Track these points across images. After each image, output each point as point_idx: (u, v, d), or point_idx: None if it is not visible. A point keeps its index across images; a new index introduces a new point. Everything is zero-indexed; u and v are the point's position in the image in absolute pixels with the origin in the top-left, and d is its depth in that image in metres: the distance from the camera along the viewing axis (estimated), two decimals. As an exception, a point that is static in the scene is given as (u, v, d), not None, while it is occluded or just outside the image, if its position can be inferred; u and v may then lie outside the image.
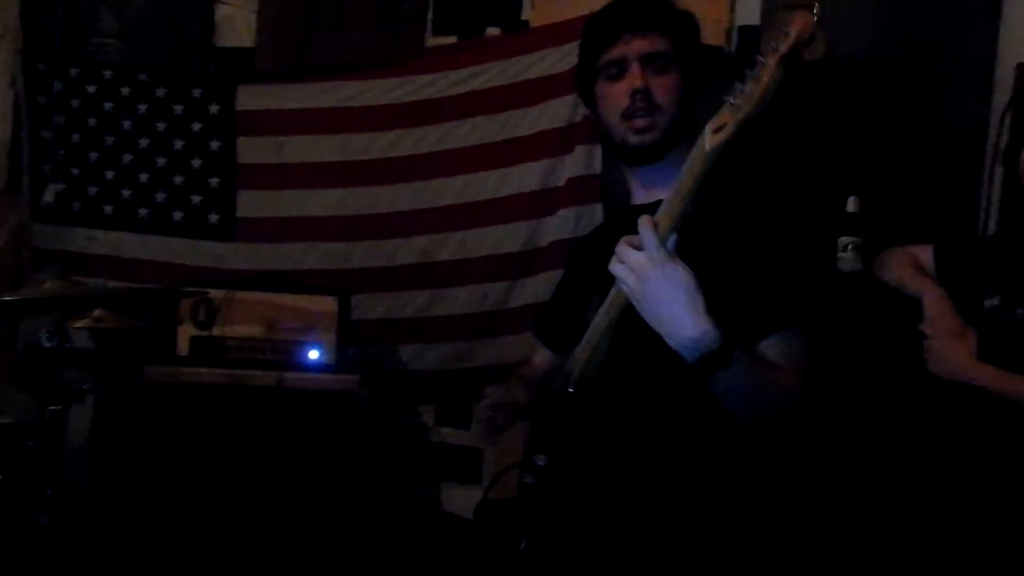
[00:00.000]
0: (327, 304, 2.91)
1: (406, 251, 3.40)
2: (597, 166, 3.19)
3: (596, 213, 3.20)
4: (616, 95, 1.54)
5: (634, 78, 1.51)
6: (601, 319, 1.38)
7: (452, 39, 3.44)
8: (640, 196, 1.63)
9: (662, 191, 1.34)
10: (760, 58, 1.14)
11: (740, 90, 1.15)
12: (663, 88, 1.52)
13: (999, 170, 2.65)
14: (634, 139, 1.54)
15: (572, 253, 2.05)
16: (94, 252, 3.61)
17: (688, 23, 1.59)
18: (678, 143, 1.53)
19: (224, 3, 3.64)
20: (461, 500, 3.39)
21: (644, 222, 1.24)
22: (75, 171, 3.63)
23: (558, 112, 3.21)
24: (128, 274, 3.54)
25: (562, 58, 3.20)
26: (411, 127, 3.39)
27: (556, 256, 3.23)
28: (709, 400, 1.32)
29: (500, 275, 3.31)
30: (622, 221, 1.48)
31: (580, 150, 3.19)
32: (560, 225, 3.22)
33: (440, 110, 3.35)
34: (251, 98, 3.53)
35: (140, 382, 2.80)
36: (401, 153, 3.39)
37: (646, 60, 1.52)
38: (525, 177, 3.26)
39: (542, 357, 1.97)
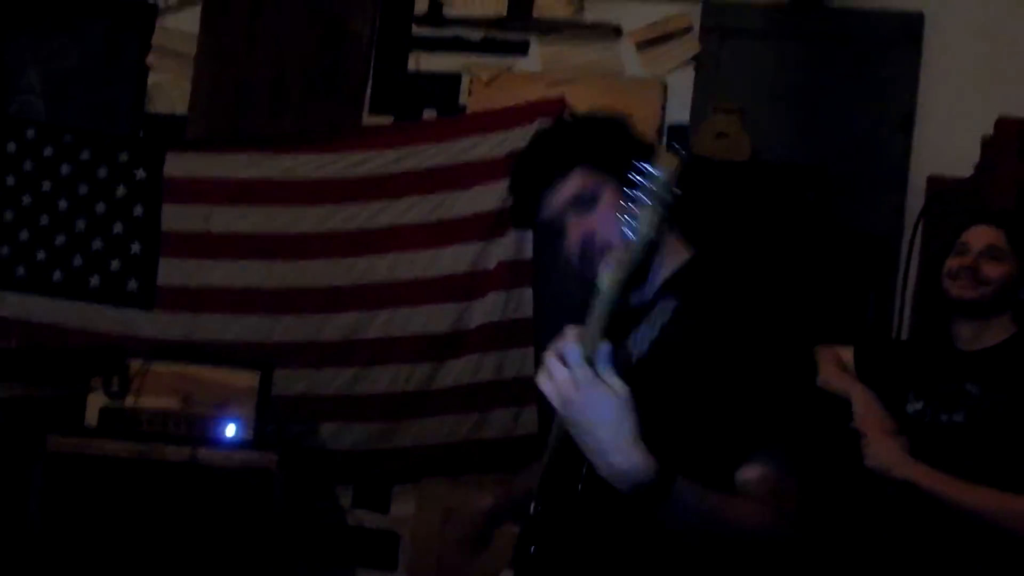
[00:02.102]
0: (248, 378, 2.83)
1: (332, 327, 3.35)
2: (528, 251, 3.23)
3: (526, 297, 3.22)
4: (568, 252, 1.40)
5: (570, 235, 1.38)
6: (553, 434, 1.27)
7: (388, 119, 3.47)
8: (632, 298, 1.46)
9: (644, 297, 1.37)
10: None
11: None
12: (601, 222, 1.35)
13: (913, 276, 2.78)
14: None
15: None
16: (2, 315, 3.47)
17: (597, 132, 1.43)
18: (655, 253, 1.38)
19: (157, 69, 3.61)
20: (376, 586, 3.30)
21: (569, 334, 1.13)
22: (-14, 231, 3.51)
23: (491, 196, 3.25)
24: (38, 339, 3.39)
25: (498, 144, 3.26)
26: (343, 203, 3.38)
27: (484, 339, 3.23)
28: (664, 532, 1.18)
29: (426, 356, 3.28)
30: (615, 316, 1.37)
31: (512, 234, 3.22)
32: (489, 308, 3.23)
33: (373, 188, 3.36)
34: (180, 165, 3.48)
35: (43, 452, 2.66)
36: (331, 228, 3.37)
37: (574, 206, 1.38)
38: (456, 258, 3.27)
39: None
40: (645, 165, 1.12)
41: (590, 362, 1.10)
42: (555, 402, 1.13)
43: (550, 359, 1.14)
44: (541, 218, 1.41)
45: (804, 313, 1.40)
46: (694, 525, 1.15)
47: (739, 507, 1.18)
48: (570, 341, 1.12)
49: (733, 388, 1.23)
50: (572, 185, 1.38)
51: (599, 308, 1.12)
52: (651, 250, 1.32)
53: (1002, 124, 2.47)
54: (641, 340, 1.33)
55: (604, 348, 1.12)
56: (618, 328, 1.30)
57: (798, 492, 1.21)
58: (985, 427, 1.89)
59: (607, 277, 1.13)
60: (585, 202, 1.37)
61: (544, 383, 1.14)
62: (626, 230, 1.10)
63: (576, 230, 1.37)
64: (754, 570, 1.23)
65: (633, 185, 1.27)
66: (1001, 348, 1.97)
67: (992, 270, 1.96)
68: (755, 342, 1.27)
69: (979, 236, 2.01)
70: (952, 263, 2.01)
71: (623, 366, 1.21)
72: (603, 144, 1.40)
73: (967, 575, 1.87)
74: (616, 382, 1.10)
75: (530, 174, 1.42)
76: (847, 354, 2.19)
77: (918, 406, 2.00)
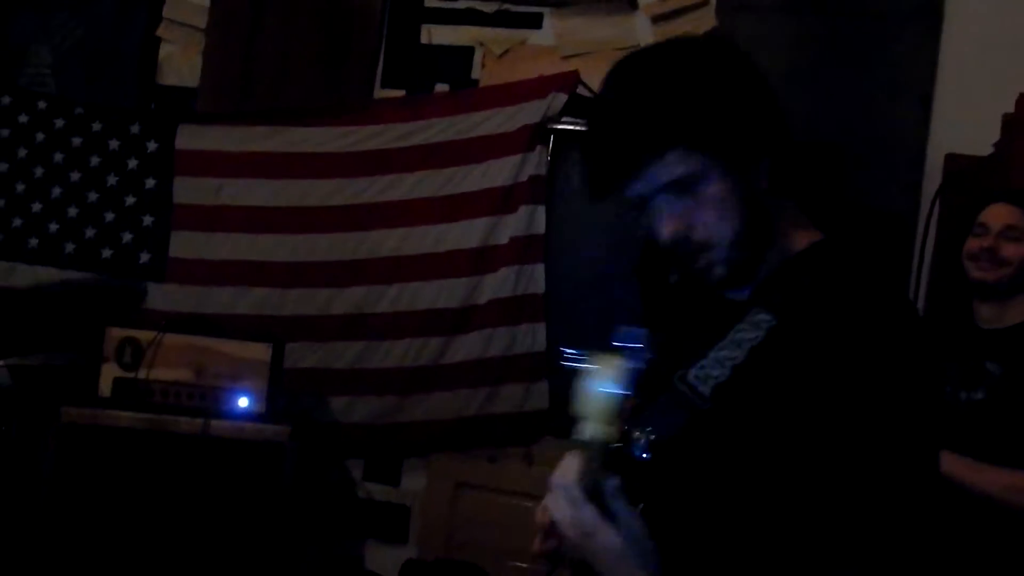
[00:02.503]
0: (260, 351, 2.83)
1: (341, 301, 3.35)
2: (540, 226, 3.21)
3: (537, 272, 3.22)
4: (653, 236, 1.13)
5: (660, 230, 1.10)
6: None
7: (400, 93, 3.45)
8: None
9: (743, 291, 1.14)
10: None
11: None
12: (703, 217, 1.08)
13: (929, 254, 2.76)
14: (699, 279, 1.14)
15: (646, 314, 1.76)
16: (13, 285, 3.48)
17: (706, 109, 1.07)
18: (770, 247, 1.13)
19: (168, 42, 3.60)
20: (386, 559, 3.31)
21: (567, 468, 1.00)
22: (0, 202, 3.50)
23: (503, 171, 3.23)
24: (48, 310, 3.40)
25: (510, 118, 3.24)
26: (353, 177, 3.37)
27: (495, 314, 3.23)
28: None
29: (437, 330, 3.28)
30: (705, 300, 1.20)
31: (524, 210, 3.21)
32: (500, 283, 3.23)
33: (384, 162, 3.35)
34: (191, 138, 3.47)
35: (57, 422, 2.67)
36: (342, 202, 3.37)
37: (669, 190, 1.08)
38: (467, 233, 3.26)
39: None
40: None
41: (597, 489, 0.97)
42: (565, 539, 1.02)
43: (555, 490, 1.01)
44: (627, 193, 1.10)
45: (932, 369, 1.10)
46: None
47: None
48: (567, 474, 1.00)
49: (821, 477, 0.97)
50: (675, 164, 1.06)
51: (595, 435, 0.97)
52: (762, 235, 1.11)
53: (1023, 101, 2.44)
54: (721, 362, 1.06)
55: (610, 484, 0.97)
56: (701, 330, 1.13)
57: None
58: (1005, 405, 1.88)
59: (589, 428, 0.97)
60: (687, 187, 1.07)
61: (555, 515, 1.01)
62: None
63: (671, 220, 1.09)
64: None
65: (746, 173, 1.08)
66: (1021, 328, 1.96)
67: (1011, 250, 1.95)
68: (871, 418, 0.97)
69: (997, 216, 1.99)
70: (971, 245, 2.00)
71: (691, 401, 1.05)
72: (709, 120, 1.07)
73: (989, 557, 1.87)
74: (627, 519, 0.97)
75: (622, 140, 1.08)
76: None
77: None
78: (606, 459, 0.97)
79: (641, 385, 1.01)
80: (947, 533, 1.87)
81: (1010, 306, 1.98)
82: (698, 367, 1.06)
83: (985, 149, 2.64)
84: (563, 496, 0.99)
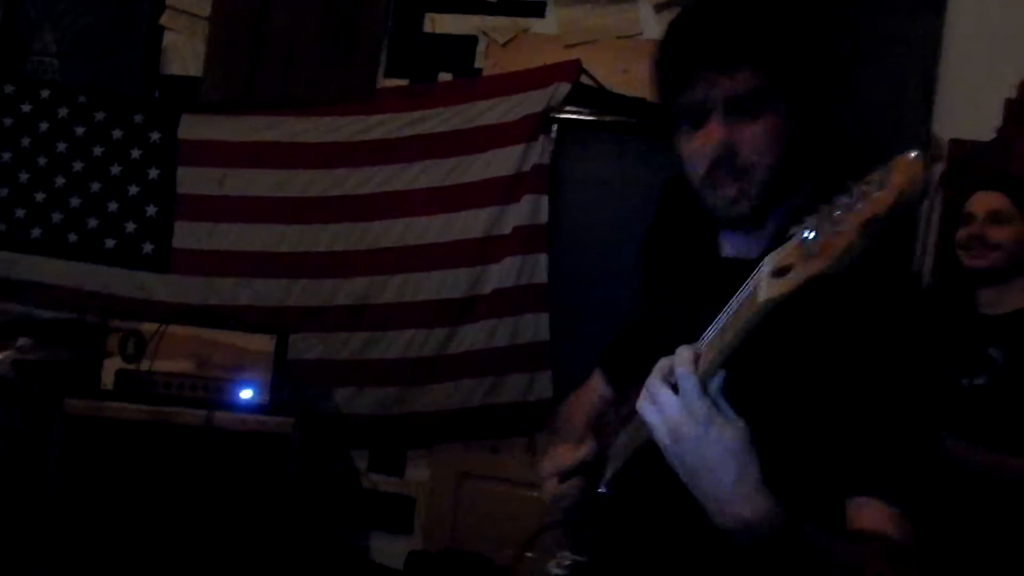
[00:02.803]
0: (263, 343, 2.83)
1: (345, 292, 3.34)
2: (544, 216, 3.20)
3: (541, 262, 3.20)
4: (694, 154, 1.16)
5: (711, 134, 1.12)
6: (627, 437, 1.13)
7: (404, 82, 3.43)
8: (728, 247, 1.27)
9: (751, 249, 1.15)
10: (849, 195, 0.81)
11: (821, 226, 0.82)
12: (754, 140, 1.11)
13: (932, 240, 2.74)
14: (721, 210, 1.17)
15: (644, 281, 1.64)
16: (15, 276, 3.48)
17: (792, 41, 1.13)
18: (785, 198, 1.16)
19: (172, 30, 3.58)
20: (391, 549, 3.31)
21: (682, 357, 0.94)
22: (2, 191, 3.50)
23: (507, 160, 3.22)
24: (51, 301, 3.40)
25: (513, 107, 3.23)
26: (357, 167, 3.36)
27: (498, 304, 3.22)
28: None
29: (440, 320, 3.27)
30: (706, 269, 1.25)
31: (528, 199, 3.20)
32: (504, 273, 3.22)
33: (388, 152, 3.33)
34: (195, 127, 3.47)
35: (61, 415, 2.67)
36: (345, 192, 3.36)
37: (731, 106, 1.11)
38: (471, 223, 3.25)
39: (604, 391, 1.58)
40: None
41: (704, 388, 0.93)
42: (662, 436, 0.95)
43: (656, 384, 0.96)
44: (693, 97, 1.12)
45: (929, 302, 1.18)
46: (808, 572, 0.96)
47: (859, 556, 0.99)
48: (684, 365, 0.93)
49: (855, 398, 1.04)
50: (741, 81, 1.10)
51: (732, 324, 0.90)
52: (791, 181, 1.14)
53: (1027, 87, 2.42)
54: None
55: (719, 377, 0.94)
56: (706, 295, 1.11)
57: (913, 533, 1.02)
58: (1008, 391, 1.88)
59: (769, 287, 0.86)
60: (748, 107, 1.10)
61: (649, 412, 0.96)
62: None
63: (726, 130, 1.10)
64: None
65: (804, 117, 1.12)
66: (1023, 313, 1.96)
67: (998, 234, 1.97)
68: (890, 339, 1.05)
69: (982, 203, 2.02)
70: (960, 234, 2.03)
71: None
72: (796, 55, 1.12)
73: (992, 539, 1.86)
74: (735, 418, 0.94)
75: (696, 47, 1.13)
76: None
77: None
78: (732, 351, 0.92)
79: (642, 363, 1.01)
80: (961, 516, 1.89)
81: (1010, 291, 1.99)
82: (705, 332, 1.07)
83: (988, 135, 2.62)
84: (661, 388, 0.95)
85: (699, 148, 1.14)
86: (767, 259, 0.87)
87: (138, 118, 3.49)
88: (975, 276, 2.00)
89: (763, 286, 0.86)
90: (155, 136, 3.48)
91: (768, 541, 0.93)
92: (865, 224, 0.77)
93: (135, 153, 3.49)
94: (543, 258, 3.20)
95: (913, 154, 0.77)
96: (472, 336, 3.26)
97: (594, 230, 3.23)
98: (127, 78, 3.57)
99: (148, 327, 2.78)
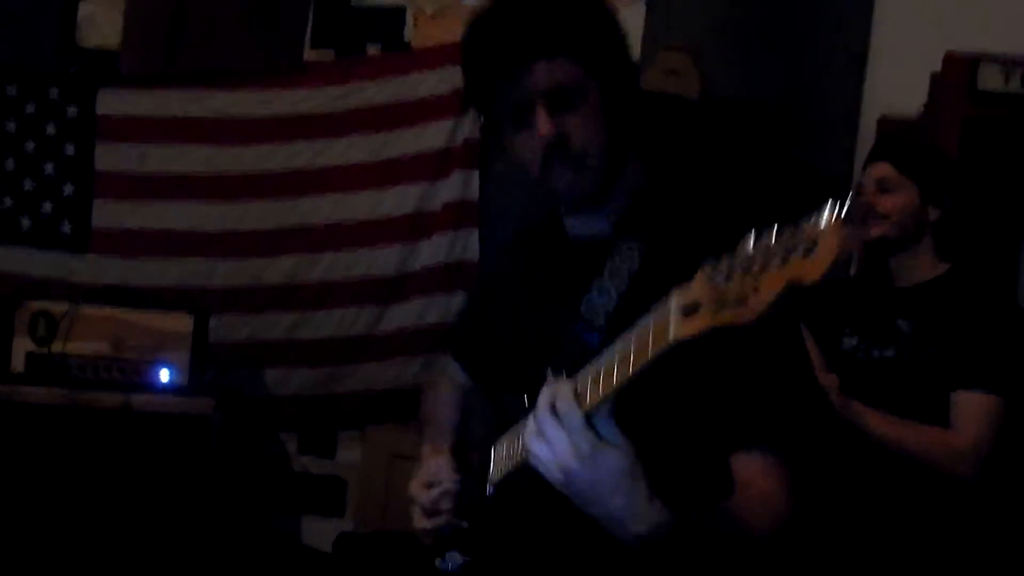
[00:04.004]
0: (181, 322, 2.75)
1: (272, 271, 3.26)
2: (474, 192, 3.15)
3: (472, 239, 3.16)
4: (527, 150, 1.18)
5: (541, 129, 1.13)
6: (513, 446, 1.13)
7: (330, 54, 3.35)
8: (577, 227, 1.27)
9: (601, 226, 1.19)
10: (770, 245, 0.79)
11: (735, 270, 0.80)
12: (582, 126, 1.14)
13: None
14: (565, 194, 1.19)
15: (490, 264, 1.65)
16: (-72, 257, 3.34)
17: (598, 24, 1.18)
18: (619, 175, 1.20)
19: (87, 2, 3.44)
20: (322, 532, 3.25)
21: (563, 392, 0.94)
22: (-92, 171, 3.35)
23: (437, 135, 3.16)
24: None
25: (443, 81, 3.16)
26: (284, 142, 3.27)
27: (430, 281, 3.17)
28: None
29: (371, 299, 3.21)
30: (558, 251, 1.26)
31: (457, 174, 3.14)
32: (435, 250, 3.17)
33: (315, 126, 3.25)
34: (113, 102, 3.34)
35: (-33, 401, 2.57)
36: (272, 168, 3.27)
37: (553, 97, 1.14)
38: (400, 199, 3.19)
39: (459, 382, 1.56)
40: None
41: (589, 420, 0.93)
42: (551, 471, 0.96)
43: (544, 419, 0.95)
44: (510, 94, 1.14)
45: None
46: (708, 548, 1.04)
47: (742, 514, 1.06)
48: (566, 399, 0.94)
49: (729, 361, 1.07)
50: (560, 71, 1.13)
51: (635, 356, 0.89)
52: (612, 166, 1.17)
53: (950, 60, 2.42)
54: (605, 292, 1.14)
55: (606, 410, 0.94)
56: (570, 276, 1.18)
57: (793, 478, 1.10)
58: (914, 363, 1.89)
59: (678, 324, 0.85)
60: (568, 97, 1.14)
61: (538, 448, 0.96)
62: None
63: (547, 126, 1.13)
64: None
65: (616, 95, 1.16)
66: (932, 285, 1.98)
67: (885, 202, 1.97)
68: None
69: (870, 174, 2.03)
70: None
71: (590, 340, 1.10)
72: (594, 34, 1.16)
73: (887, 508, 1.88)
74: (622, 441, 0.95)
75: (507, 42, 1.14)
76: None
77: (853, 341, 2.02)
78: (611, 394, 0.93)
79: (521, 344, 1.07)
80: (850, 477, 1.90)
81: (917, 261, 1.99)
82: (585, 303, 1.12)
83: (917, 110, 2.62)
84: (551, 424, 0.94)
85: (531, 144, 1.16)
86: (674, 292, 0.86)
87: (53, 92, 3.35)
88: (874, 248, 2.01)
89: (672, 322, 0.85)
90: (72, 111, 3.34)
91: (663, 541, 0.97)
92: (788, 290, 0.76)
93: (50, 129, 3.35)
94: (474, 234, 3.16)
95: (845, 222, 0.75)
96: (403, 314, 3.21)
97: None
98: (41, 51, 3.42)
99: (59, 307, 2.68)
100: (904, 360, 1.91)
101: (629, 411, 0.96)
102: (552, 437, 0.94)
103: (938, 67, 2.53)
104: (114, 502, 2.62)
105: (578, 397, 0.94)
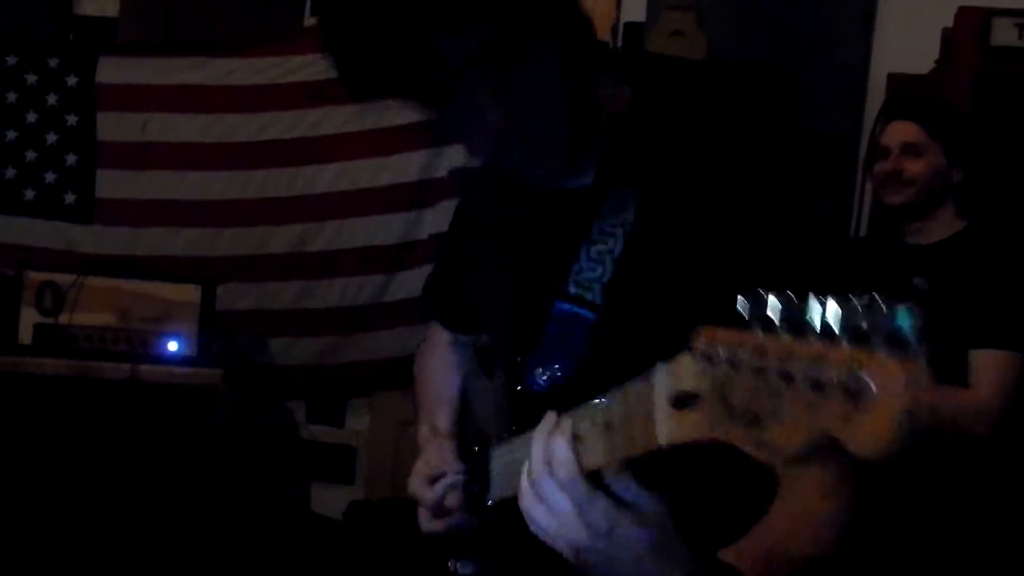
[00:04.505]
0: (188, 292, 2.73)
1: (277, 240, 3.24)
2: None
3: (477, 206, 3.13)
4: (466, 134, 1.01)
5: (485, 117, 0.93)
6: (510, 468, 0.94)
7: (332, 20, 3.30)
8: (546, 174, 1.03)
9: (588, 177, 0.98)
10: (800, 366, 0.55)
11: (743, 359, 0.58)
12: (519, 95, 0.91)
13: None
14: (535, 175, 0.98)
15: (464, 197, 1.38)
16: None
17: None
18: (588, 136, 0.97)
19: (85, -32, 3.40)
20: (332, 500, 3.27)
21: (560, 453, 0.75)
22: (-90, 142, 3.33)
23: (440, 100, 3.12)
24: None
25: (446, 45, 3.12)
26: (285, 110, 3.24)
27: (435, 249, 3.14)
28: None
29: (376, 267, 3.20)
30: (529, 200, 1.04)
31: (462, 141, 3.11)
32: (441, 217, 3.13)
33: (317, 93, 3.21)
34: (113, 71, 3.30)
35: (-26, 372, 2.57)
36: (274, 136, 3.24)
37: (479, 63, 0.89)
38: (404, 167, 3.16)
39: (444, 341, 1.41)
40: None
41: (598, 479, 0.73)
42: (561, 547, 0.77)
43: (545, 484, 0.76)
44: (429, 76, 0.89)
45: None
46: None
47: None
48: (566, 467, 0.74)
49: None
50: (481, 32, 0.86)
51: (625, 444, 0.70)
52: (581, 103, 0.93)
53: (962, 14, 2.37)
54: (597, 260, 0.94)
55: (622, 483, 0.74)
56: (553, 236, 0.98)
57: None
58: (932, 322, 1.86)
59: (670, 423, 0.65)
60: (506, 59, 0.88)
61: (541, 518, 0.77)
62: None
63: (491, 103, 0.89)
64: None
65: (574, 48, 0.91)
66: (949, 243, 1.94)
67: (913, 167, 1.92)
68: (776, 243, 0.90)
69: (895, 134, 1.97)
70: (877, 169, 1.98)
71: (584, 316, 0.91)
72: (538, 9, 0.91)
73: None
74: (647, 500, 0.75)
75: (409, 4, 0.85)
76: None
77: (864, 301, 1.97)
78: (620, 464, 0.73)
79: (499, 318, 0.87)
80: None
81: (935, 220, 1.96)
82: (574, 275, 0.92)
83: (928, 66, 2.58)
84: (555, 492, 0.75)
85: (475, 124, 0.92)
86: (661, 368, 0.66)
87: (53, 62, 3.31)
88: (894, 211, 1.97)
89: (661, 420, 0.65)
90: (72, 81, 3.31)
91: None
92: (818, 447, 0.53)
93: (51, 99, 3.32)
94: (480, 201, 3.13)
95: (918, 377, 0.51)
96: (410, 282, 3.19)
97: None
98: (38, 20, 3.39)
99: (65, 279, 2.67)
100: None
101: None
102: (554, 505, 0.75)
103: (949, 22, 2.48)
104: (123, 473, 2.62)
105: (579, 445, 0.74)
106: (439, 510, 1.13)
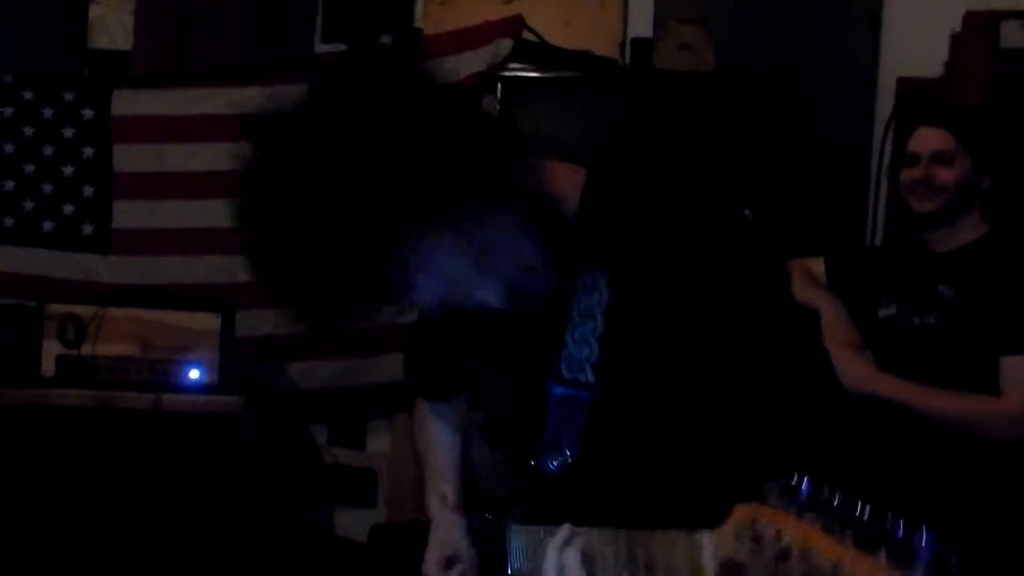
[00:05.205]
0: (208, 320, 2.76)
1: (294, 264, 3.25)
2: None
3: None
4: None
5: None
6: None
7: (341, 47, 3.33)
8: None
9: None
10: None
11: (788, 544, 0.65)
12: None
13: (884, 182, 2.71)
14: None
15: None
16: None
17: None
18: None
19: (97, 3, 3.45)
20: (355, 523, 3.27)
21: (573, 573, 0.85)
22: (-68, 179, 3.37)
23: (452, 121, 3.14)
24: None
25: (455, 67, 3.12)
26: (299, 135, 3.26)
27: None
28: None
29: (393, 288, 3.20)
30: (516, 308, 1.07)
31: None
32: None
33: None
34: (128, 103, 3.34)
35: (-1, 405, 2.59)
36: (288, 162, 3.26)
37: None
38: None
39: (429, 414, 1.42)
40: None
41: None
42: None
43: None
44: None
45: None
46: None
47: None
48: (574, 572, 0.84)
49: (731, 382, 0.98)
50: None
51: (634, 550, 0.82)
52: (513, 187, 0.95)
53: (970, 17, 2.38)
54: (582, 342, 1.00)
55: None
56: (538, 322, 1.02)
57: None
58: (958, 328, 1.85)
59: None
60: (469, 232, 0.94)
61: None
62: None
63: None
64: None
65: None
66: (973, 248, 1.92)
67: (944, 175, 1.90)
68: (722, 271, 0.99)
69: (926, 141, 1.94)
70: (906, 176, 1.96)
71: (580, 398, 0.98)
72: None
73: (941, 484, 1.84)
74: None
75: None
76: (816, 266, 2.13)
77: (891, 310, 1.96)
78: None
79: (496, 400, 0.95)
80: (900, 455, 1.87)
81: (959, 228, 1.93)
82: (564, 359, 0.98)
83: (937, 70, 2.58)
84: None
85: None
86: (706, 538, 0.75)
87: (68, 96, 3.35)
88: (922, 219, 1.95)
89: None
90: (88, 114, 3.35)
91: None
92: None
93: (68, 132, 3.36)
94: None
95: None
96: (426, 303, 3.19)
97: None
98: (53, 55, 3.44)
99: (86, 310, 2.69)
100: (948, 326, 1.86)
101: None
102: None
103: (957, 26, 2.49)
104: (147, 502, 2.64)
105: (592, 563, 0.82)
106: None
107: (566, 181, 1.04)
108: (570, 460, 0.96)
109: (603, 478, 0.97)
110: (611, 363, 0.96)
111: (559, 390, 0.99)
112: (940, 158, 1.90)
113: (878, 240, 2.73)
